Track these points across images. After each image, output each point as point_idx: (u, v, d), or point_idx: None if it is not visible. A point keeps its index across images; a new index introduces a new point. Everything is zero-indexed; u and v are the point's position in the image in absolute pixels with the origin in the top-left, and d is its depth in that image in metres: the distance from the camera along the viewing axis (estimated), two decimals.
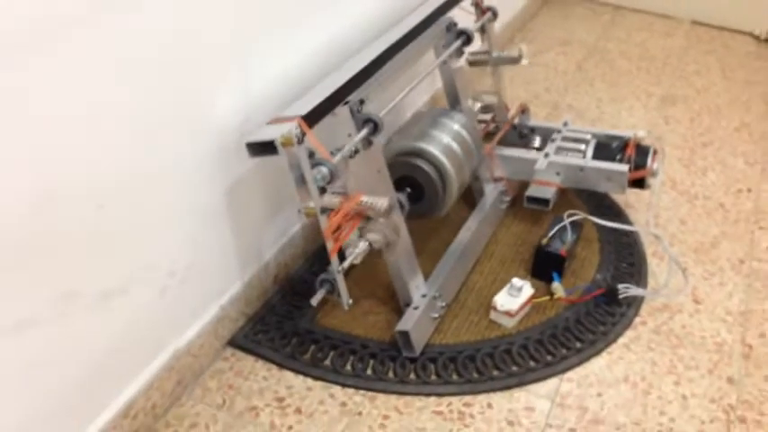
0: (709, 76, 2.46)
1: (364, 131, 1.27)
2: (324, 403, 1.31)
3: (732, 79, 2.43)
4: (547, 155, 1.69)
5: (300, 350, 1.40)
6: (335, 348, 1.40)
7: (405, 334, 1.36)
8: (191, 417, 1.28)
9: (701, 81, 2.42)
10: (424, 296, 1.43)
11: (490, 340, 1.42)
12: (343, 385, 1.34)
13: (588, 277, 1.57)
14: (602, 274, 1.58)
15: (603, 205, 1.79)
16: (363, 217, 1.25)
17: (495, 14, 1.75)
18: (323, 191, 1.18)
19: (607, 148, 1.69)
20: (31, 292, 0.97)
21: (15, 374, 0.99)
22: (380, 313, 1.47)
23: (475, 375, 1.35)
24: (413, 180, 1.48)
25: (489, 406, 1.31)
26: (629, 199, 1.82)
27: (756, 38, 2.72)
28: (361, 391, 1.33)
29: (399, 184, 1.47)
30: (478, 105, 1.71)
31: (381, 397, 1.32)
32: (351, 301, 1.24)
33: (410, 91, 1.42)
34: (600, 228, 1.68)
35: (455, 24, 1.62)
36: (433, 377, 1.35)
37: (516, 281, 1.45)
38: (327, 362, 1.38)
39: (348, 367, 1.37)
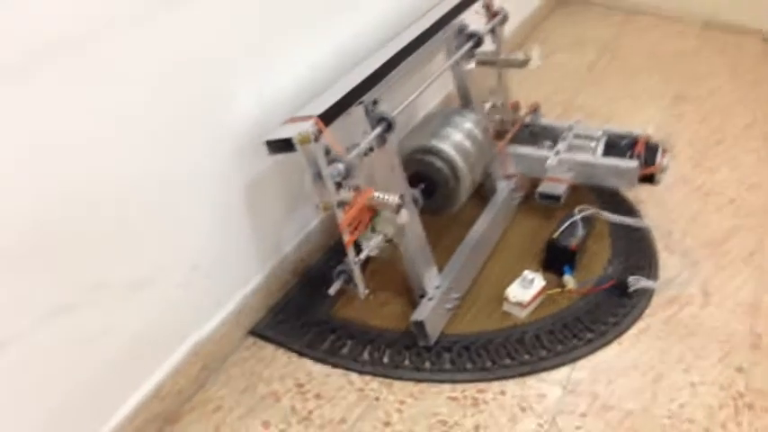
0: (720, 76, 2.49)
1: (378, 130, 1.33)
2: (342, 389, 1.36)
3: (743, 79, 2.46)
4: (558, 152, 1.73)
5: (319, 339, 1.45)
6: (353, 338, 1.45)
7: (420, 324, 1.41)
8: (215, 400, 1.34)
9: (711, 81, 2.45)
10: (438, 288, 1.48)
11: (503, 330, 1.47)
12: (361, 372, 1.39)
13: (599, 271, 1.61)
14: (613, 267, 1.62)
15: (615, 201, 1.83)
16: (376, 211, 1.31)
17: (505, 17, 1.80)
18: (339, 186, 1.24)
19: (617, 145, 1.73)
20: (67, 280, 1.04)
21: (52, 358, 1.05)
22: (397, 304, 1.52)
23: (488, 363, 1.40)
24: (426, 176, 1.53)
25: (502, 393, 1.35)
26: (640, 195, 1.85)
27: (766, 40, 2.74)
28: (378, 378, 1.38)
29: (413, 181, 1.52)
30: (488, 106, 1.76)
31: (398, 384, 1.37)
32: (367, 291, 1.29)
33: (423, 91, 1.47)
34: (611, 223, 1.72)
35: (466, 27, 1.67)
36: (448, 365, 1.40)
37: (528, 273, 1.50)
38: (345, 350, 1.43)
39: (365, 355, 1.42)
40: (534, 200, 1.71)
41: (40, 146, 0.95)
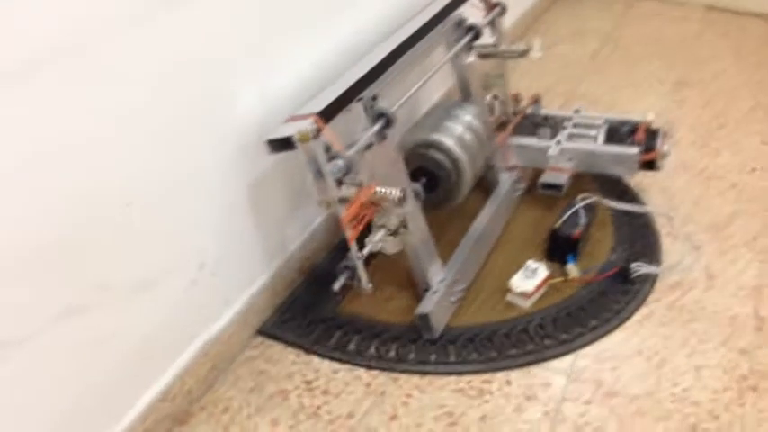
0: (724, 59, 2.48)
1: (377, 126, 1.34)
2: (350, 384, 1.38)
3: (746, 62, 2.45)
4: (559, 142, 1.74)
5: (326, 336, 1.47)
6: (359, 333, 1.47)
7: (425, 317, 1.43)
8: (224, 400, 1.36)
9: (714, 65, 2.45)
10: (442, 281, 1.49)
11: (507, 321, 1.48)
12: (368, 367, 1.41)
13: (602, 258, 1.62)
14: (617, 254, 1.63)
15: (618, 189, 1.83)
16: (378, 206, 1.32)
17: (503, 9, 1.80)
18: (340, 183, 1.26)
19: (618, 132, 1.74)
20: (74, 282, 1.06)
21: (62, 360, 1.07)
22: (401, 299, 1.54)
23: (493, 354, 1.41)
24: (428, 170, 1.55)
25: (508, 382, 1.37)
26: (642, 181, 1.86)
27: None
28: (385, 372, 1.40)
29: (415, 175, 1.53)
30: (488, 98, 1.77)
31: (404, 377, 1.39)
32: (370, 285, 1.31)
33: (422, 86, 1.49)
34: (614, 211, 1.73)
35: (464, 20, 1.68)
36: (453, 357, 1.41)
37: (531, 263, 1.51)
38: (352, 346, 1.45)
39: (372, 350, 1.44)
40: (537, 190, 1.72)
41: (44, 148, 0.97)
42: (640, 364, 1.39)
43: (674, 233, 1.70)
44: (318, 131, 1.22)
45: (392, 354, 1.43)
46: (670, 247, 1.66)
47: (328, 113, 1.28)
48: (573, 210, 1.63)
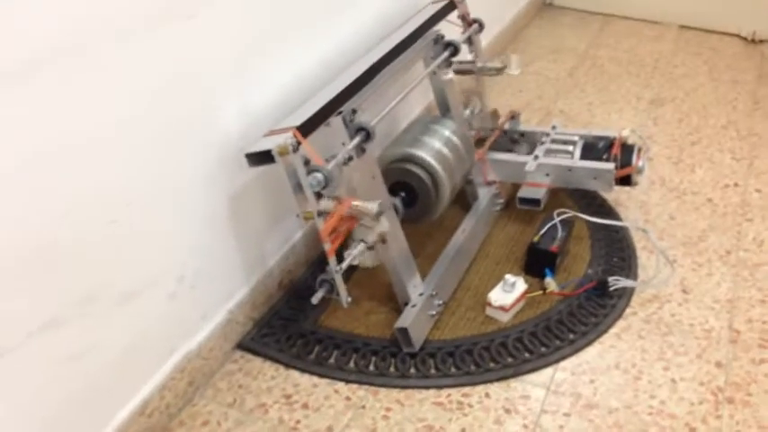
0: (697, 77, 2.53)
1: (357, 140, 1.35)
2: (329, 398, 1.38)
3: (719, 80, 2.50)
4: (536, 157, 1.76)
5: (305, 350, 1.47)
6: (339, 347, 1.47)
7: (404, 330, 1.43)
8: (203, 415, 1.35)
9: (689, 83, 2.49)
10: (421, 295, 1.50)
11: (486, 334, 1.49)
12: (347, 381, 1.41)
13: (580, 272, 1.63)
14: (594, 268, 1.64)
15: (594, 204, 1.86)
16: (357, 220, 1.33)
17: (481, 26, 1.83)
18: (319, 196, 1.26)
19: (594, 148, 1.76)
20: (55, 295, 1.06)
21: (41, 372, 1.06)
22: (381, 313, 1.54)
23: (472, 368, 1.42)
24: (406, 185, 1.56)
25: (487, 395, 1.37)
26: (619, 197, 1.88)
27: (744, 39, 2.79)
28: (365, 386, 1.40)
29: (394, 190, 1.54)
30: (467, 113, 1.79)
31: (384, 391, 1.39)
32: (350, 299, 1.31)
33: (401, 100, 1.50)
34: (591, 225, 1.75)
35: (443, 36, 1.70)
36: (433, 371, 1.42)
37: (509, 277, 1.52)
38: (331, 360, 1.45)
39: (351, 364, 1.44)
40: (515, 205, 1.74)
41: (25, 164, 0.96)
42: (618, 376, 1.40)
43: (650, 247, 1.72)
44: (298, 145, 1.23)
45: (372, 368, 1.43)
46: (646, 262, 1.68)
47: (308, 127, 1.29)
48: (551, 224, 1.65)
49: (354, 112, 1.37)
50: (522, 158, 1.79)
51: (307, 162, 1.24)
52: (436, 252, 1.65)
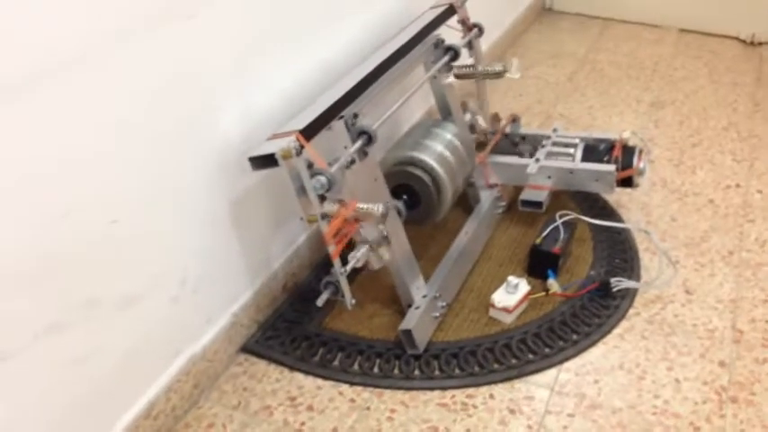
0: (697, 80, 2.54)
1: (359, 143, 1.36)
2: (334, 400, 1.38)
3: (719, 82, 2.51)
4: (538, 160, 1.77)
5: (310, 353, 1.47)
6: (343, 350, 1.47)
7: (407, 332, 1.43)
8: (208, 417, 1.36)
9: (689, 85, 2.50)
10: (424, 297, 1.50)
11: (490, 336, 1.49)
12: (352, 383, 1.41)
13: (582, 274, 1.64)
14: (596, 270, 1.65)
15: (596, 206, 1.86)
16: (361, 222, 1.33)
17: (481, 31, 1.84)
18: (322, 199, 1.27)
19: (595, 150, 1.77)
20: (60, 298, 1.06)
21: (46, 375, 1.07)
22: (385, 315, 1.55)
23: (476, 369, 1.42)
24: (409, 188, 1.57)
25: (491, 396, 1.38)
26: (621, 199, 1.89)
27: (743, 41, 2.80)
28: (369, 388, 1.40)
29: (396, 192, 1.55)
30: (468, 117, 1.79)
31: (388, 392, 1.39)
32: (354, 301, 1.32)
33: (402, 104, 1.51)
34: (593, 227, 1.76)
35: (443, 41, 1.71)
36: (437, 372, 1.42)
37: (512, 278, 1.53)
38: (336, 362, 1.45)
39: (356, 366, 1.44)
40: (518, 208, 1.75)
41: (28, 168, 0.97)
42: (622, 376, 1.40)
43: (652, 249, 1.72)
44: (301, 148, 1.23)
45: (376, 369, 1.43)
46: (649, 263, 1.68)
47: (310, 131, 1.30)
48: (553, 226, 1.66)
49: (356, 116, 1.37)
50: (523, 161, 1.80)
51: (310, 165, 1.25)
52: (439, 254, 1.65)
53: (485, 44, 2.34)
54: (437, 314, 1.51)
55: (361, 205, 1.30)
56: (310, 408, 1.37)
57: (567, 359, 1.45)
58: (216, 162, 1.33)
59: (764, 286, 1.60)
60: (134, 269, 1.20)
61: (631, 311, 1.55)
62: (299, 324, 1.54)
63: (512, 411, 1.35)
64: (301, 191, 1.25)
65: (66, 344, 1.09)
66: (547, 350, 1.46)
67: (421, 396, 1.38)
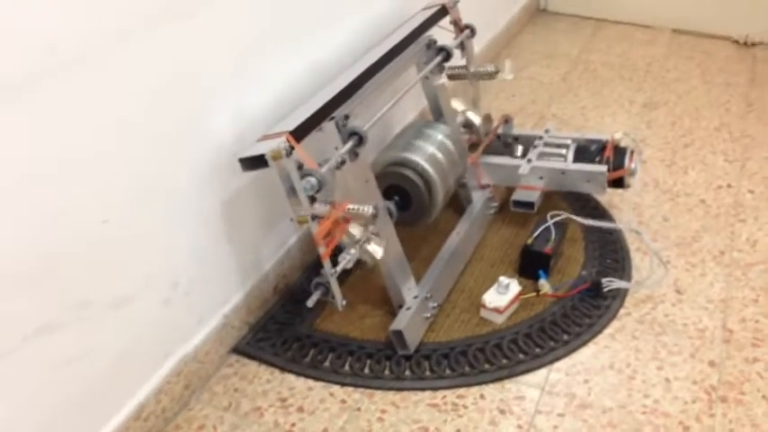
0: (690, 80, 2.54)
1: (350, 144, 1.36)
2: (324, 401, 1.38)
3: (712, 83, 2.52)
4: (530, 160, 1.77)
5: (301, 354, 1.47)
6: (334, 351, 1.48)
7: (398, 333, 1.44)
8: (199, 419, 1.36)
9: (681, 86, 2.51)
10: (416, 297, 1.51)
11: (481, 336, 1.49)
12: (343, 384, 1.41)
13: (574, 274, 1.64)
14: (587, 270, 1.65)
15: (588, 206, 1.87)
16: (350, 223, 1.34)
17: (473, 32, 1.84)
18: (313, 200, 1.27)
19: (587, 151, 1.77)
20: (50, 300, 1.06)
21: (36, 376, 1.07)
22: (376, 316, 1.55)
23: (467, 369, 1.43)
24: (400, 189, 1.57)
25: (482, 397, 1.38)
26: (612, 199, 1.90)
27: (736, 42, 2.80)
28: (360, 389, 1.40)
29: (388, 194, 1.55)
30: (460, 118, 1.80)
31: (379, 393, 1.39)
32: (344, 302, 1.32)
33: (394, 105, 1.51)
34: (584, 227, 1.76)
35: (435, 42, 1.71)
36: (428, 373, 1.42)
37: (503, 279, 1.53)
38: (327, 363, 1.45)
39: (346, 367, 1.44)
40: (509, 208, 1.75)
41: (21, 169, 0.97)
42: (612, 376, 1.41)
43: (643, 249, 1.73)
44: (291, 149, 1.24)
45: (367, 370, 1.44)
46: (640, 263, 1.69)
47: (301, 132, 1.30)
48: (544, 226, 1.66)
49: (347, 117, 1.38)
50: (515, 162, 1.80)
51: (300, 166, 1.25)
52: (431, 255, 1.65)
53: (479, 45, 2.35)
54: (428, 315, 1.51)
55: (351, 206, 1.31)
56: (301, 409, 1.37)
57: (557, 359, 1.45)
58: (208, 163, 1.33)
59: (755, 286, 1.61)
60: (126, 270, 1.20)
61: (622, 311, 1.55)
62: (290, 325, 1.54)
63: (502, 411, 1.35)
64: (291, 192, 1.25)
65: (57, 344, 1.09)
66: (537, 350, 1.46)
67: (412, 396, 1.39)
